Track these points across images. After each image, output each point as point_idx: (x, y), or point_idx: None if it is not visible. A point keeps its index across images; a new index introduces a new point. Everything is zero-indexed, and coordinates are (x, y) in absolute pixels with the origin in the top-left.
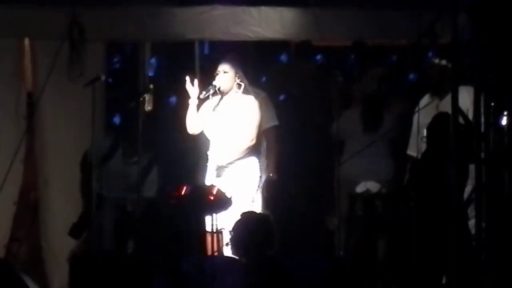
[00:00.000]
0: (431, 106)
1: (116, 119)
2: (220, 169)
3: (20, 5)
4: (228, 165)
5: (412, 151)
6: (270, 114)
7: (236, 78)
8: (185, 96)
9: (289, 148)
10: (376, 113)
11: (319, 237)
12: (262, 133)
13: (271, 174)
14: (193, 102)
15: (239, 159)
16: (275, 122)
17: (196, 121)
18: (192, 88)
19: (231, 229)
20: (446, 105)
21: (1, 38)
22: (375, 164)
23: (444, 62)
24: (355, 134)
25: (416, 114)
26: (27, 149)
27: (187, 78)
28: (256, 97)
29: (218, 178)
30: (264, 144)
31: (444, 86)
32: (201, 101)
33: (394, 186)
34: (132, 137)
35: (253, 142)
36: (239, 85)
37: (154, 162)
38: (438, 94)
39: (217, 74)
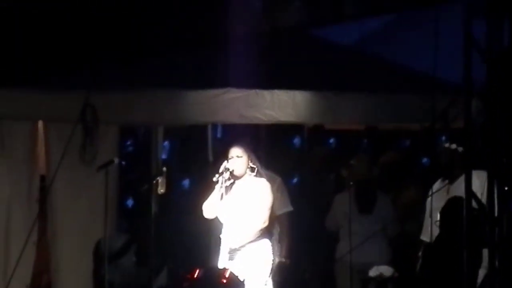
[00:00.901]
0: (442, 190)
1: (129, 202)
2: (232, 252)
3: (34, 89)
4: (240, 248)
5: (425, 237)
6: (285, 200)
7: (249, 162)
8: (198, 179)
9: (302, 231)
10: (369, 195)
11: None
12: (275, 218)
13: (283, 259)
14: (219, 187)
15: (251, 241)
16: (289, 208)
17: (216, 205)
18: (226, 173)
19: None
20: (456, 189)
21: (15, 121)
22: (378, 248)
23: (453, 146)
24: (352, 216)
25: (429, 199)
26: (39, 232)
27: (224, 162)
28: (272, 182)
29: (230, 261)
30: (277, 227)
31: (455, 170)
32: (214, 185)
33: (397, 269)
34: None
35: (266, 224)
36: (252, 168)
37: (164, 264)
38: (449, 178)
39: (231, 158)
